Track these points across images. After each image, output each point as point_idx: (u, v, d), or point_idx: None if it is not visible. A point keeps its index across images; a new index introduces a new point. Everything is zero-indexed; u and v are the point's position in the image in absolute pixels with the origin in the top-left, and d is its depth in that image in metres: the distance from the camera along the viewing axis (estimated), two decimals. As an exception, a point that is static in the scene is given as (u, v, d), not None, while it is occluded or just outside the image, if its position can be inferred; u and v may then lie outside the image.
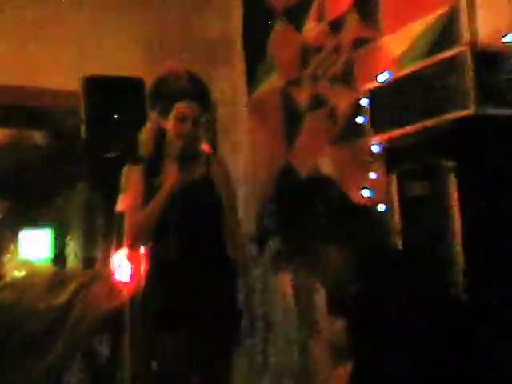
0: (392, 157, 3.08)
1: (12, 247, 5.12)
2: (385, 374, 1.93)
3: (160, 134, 3.09)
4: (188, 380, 2.93)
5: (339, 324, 2.26)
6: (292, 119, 4.66)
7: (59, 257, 5.16)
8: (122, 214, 3.12)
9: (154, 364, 3.16)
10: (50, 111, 5.06)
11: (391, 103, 3.06)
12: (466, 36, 3.26)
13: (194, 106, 3.06)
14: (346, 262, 2.07)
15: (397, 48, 3.70)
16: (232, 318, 3.04)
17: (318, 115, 4.41)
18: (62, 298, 3.20)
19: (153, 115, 3.15)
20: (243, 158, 5.07)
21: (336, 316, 2.41)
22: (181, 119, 3.03)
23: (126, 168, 3.12)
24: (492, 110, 2.68)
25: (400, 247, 2.88)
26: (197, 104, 3.07)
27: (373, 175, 3.27)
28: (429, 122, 2.83)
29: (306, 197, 2.15)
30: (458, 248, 2.68)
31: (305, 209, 2.11)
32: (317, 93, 4.42)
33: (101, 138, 4.26)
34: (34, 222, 5.23)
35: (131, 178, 3.09)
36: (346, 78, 4.14)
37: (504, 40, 2.93)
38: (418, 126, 2.88)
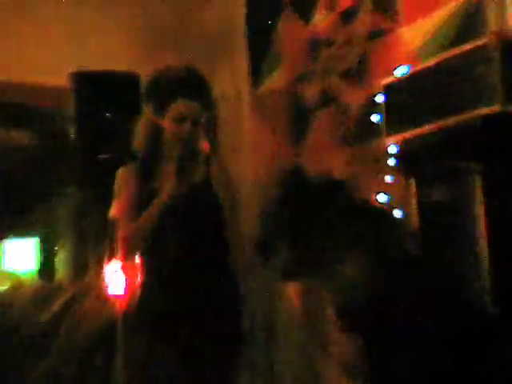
0: (410, 158, 3.05)
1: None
2: None
3: (156, 131, 2.97)
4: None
5: (353, 341, 2.27)
6: (299, 117, 4.66)
7: (46, 268, 5.08)
8: (115, 221, 3.03)
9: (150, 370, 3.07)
10: (38, 109, 5.06)
11: (409, 100, 3.05)
12: (493, 26, 3.16)
13: (193, 105, 2.94)
14: (362, 273, 1.98)
15: (416, 40, 3.63)
16: (232, 319, 2.97)
17: (328, 113, 4.39)
18: (48, 314, 3.05)
19: (148, 109, 3.04)
20: (245, 157, 5.06)
21: (349, 332, 2.40)
22: (179, 119, 2.92)
23: (120, 169, 3.02)
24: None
25: (418, 253, 2.86)
26: (196, 102, 2.95)
27: (389, 178, 3.23)
28: (450, 121, 2.79)
29: (317, 201, 2.07)
30: (485, 260, 2.63)
31: (315, 214, 2.03)
32: (327, 89, 4.39)
33: (92, 138, 4.22)
34: (19, 231, 5.16)
35: (124, 179, 3.00)
36: (359, 73, 4.09)
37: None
38: (438, 124, 2.85)
